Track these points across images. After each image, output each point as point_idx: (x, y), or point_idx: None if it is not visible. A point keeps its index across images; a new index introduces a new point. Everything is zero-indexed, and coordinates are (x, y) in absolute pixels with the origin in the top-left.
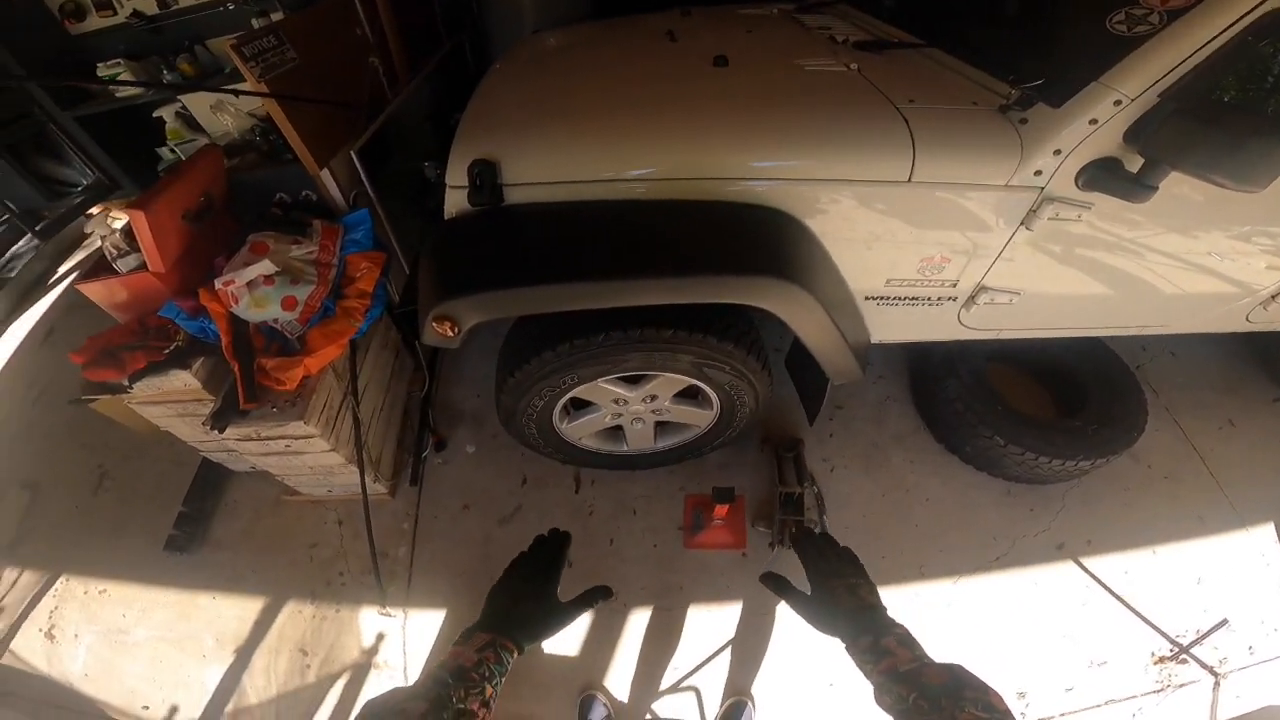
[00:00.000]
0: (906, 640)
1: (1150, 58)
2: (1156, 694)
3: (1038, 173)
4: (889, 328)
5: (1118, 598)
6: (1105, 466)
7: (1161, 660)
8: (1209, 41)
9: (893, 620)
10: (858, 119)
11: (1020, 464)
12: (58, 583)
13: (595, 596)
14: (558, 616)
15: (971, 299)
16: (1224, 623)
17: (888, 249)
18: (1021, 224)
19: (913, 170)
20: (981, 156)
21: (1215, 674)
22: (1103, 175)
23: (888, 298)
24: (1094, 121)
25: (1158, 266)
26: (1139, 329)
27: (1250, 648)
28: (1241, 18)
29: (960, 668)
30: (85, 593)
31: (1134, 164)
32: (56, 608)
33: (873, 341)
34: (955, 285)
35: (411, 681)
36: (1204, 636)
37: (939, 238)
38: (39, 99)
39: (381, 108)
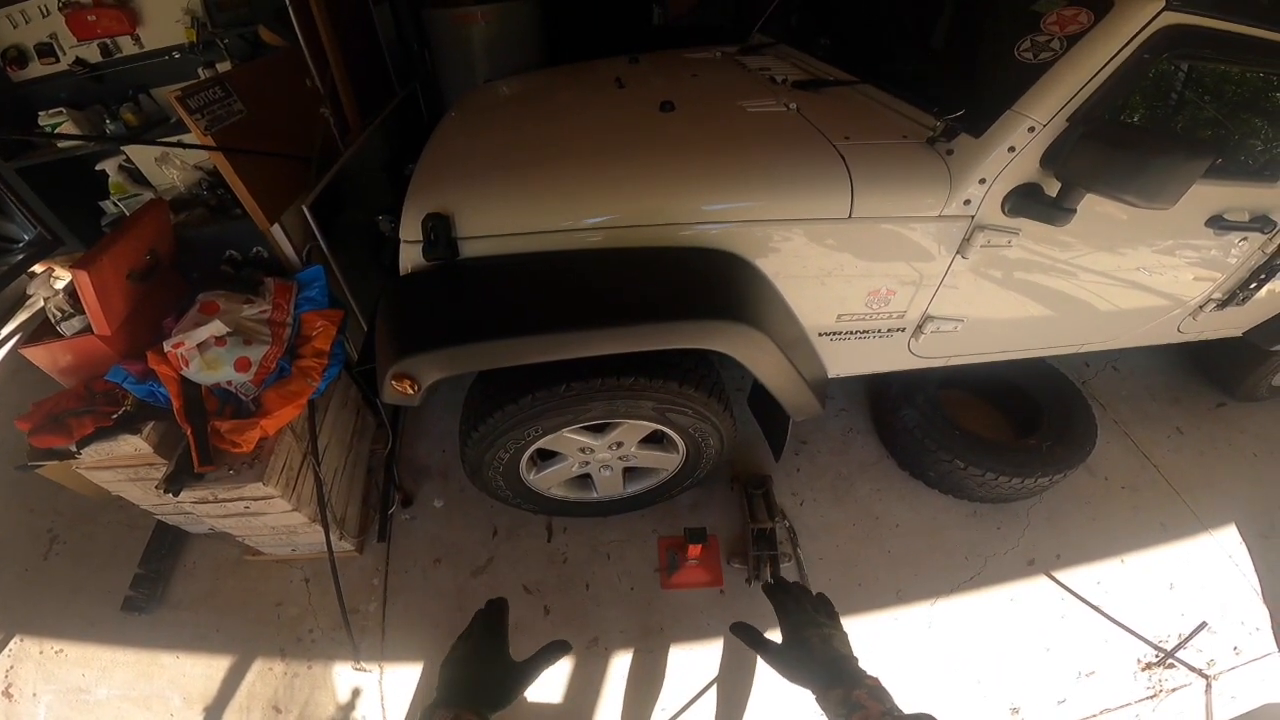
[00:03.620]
0: (878, 693)
1: (1055, 83)
2: (1151, 700)
3: (967, 202)
4: (844, 362)
5: (1094, 608)
6: (1063, 482)
7: (1149, 666)
8: (1106, 63)
9: (864, 671)
10: (798, 159)
11: (981, 484)
12: (11, 643)
13: (552, 652)
14: (516, 677)
15: (919, 328)
16: (1203, 625)
17: (836, 284)
18: (958, 253)
19: (852, 206)
20: (914, 189)
21: (1205, 676)
22: (1025, 200)
23: (840, 332)
24: (1012, 149)
25: (1091, 285)
26: (1079, 347)
27: (1235, 648)
28: (1134, 36)
29: (930, 717)
30: (41, 652)
31: (1053, 188)
32: (12, 667)
33: (830, 376)
34: (903, 316)
35: None
36: (1186, 640)
37: (883, 270)
38: None
39: (334, 160)
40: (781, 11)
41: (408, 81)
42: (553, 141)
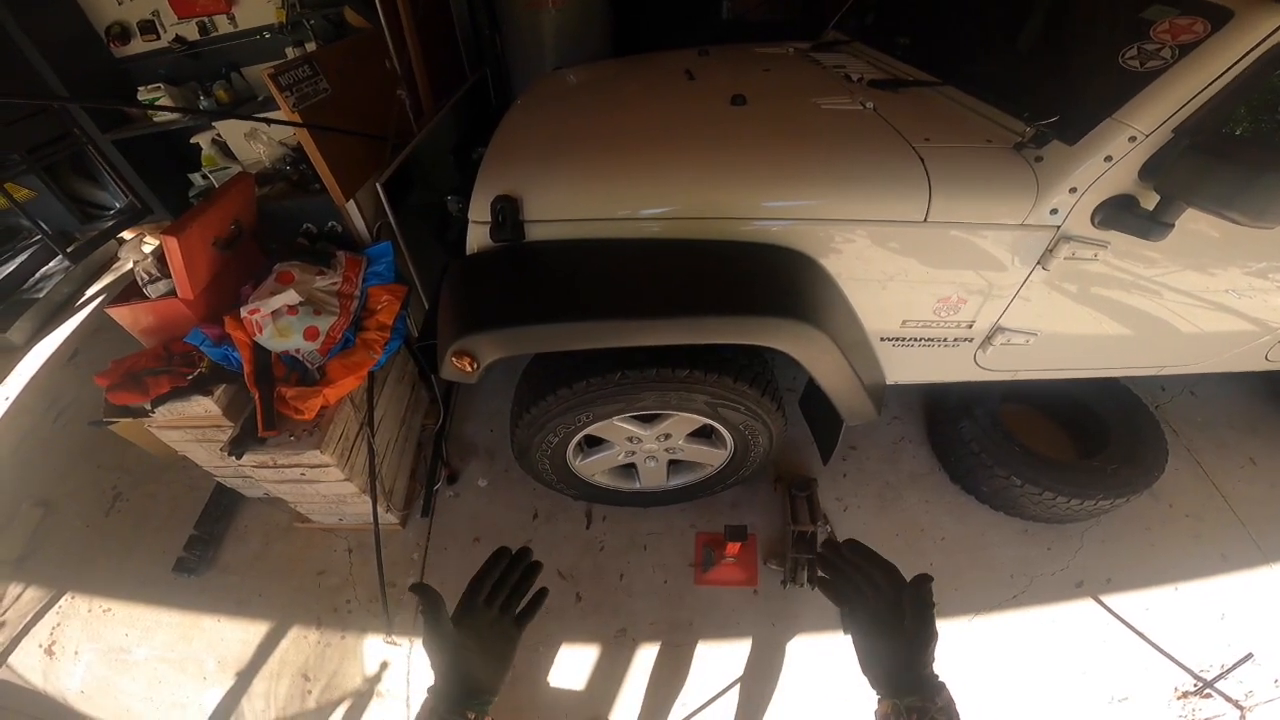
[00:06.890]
0: (949, 713)
1: (1163, 93)
2: None
3: (1053, 211)
4: (904, 369)
5: (1139, 634)
6: (1125, 506)
7: (1185, 695)
8: (1221, 74)
9: (939, 682)
10: (874, 158)
11: (1038, 504)
12: (62, 600)
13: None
14: (509, 658)
15: (988, 340)
16: (1249, 657)
17: (904, 289)
18: (1038, 264)
19: (929, 210)
20: (997, 195)
21: (1241, 708)
22: (1119, 213)
23: (903, 339)
24: (1109, 158)
25: (1175, 305)
26: (1157, 369)
27: (1277, 681)
28: (1253, 49)
29: None
30: (89, 611)
31: (1150, 201)
32: (59, 624)
33: (888, 383)
34: (971, 326)
35: (412, 714)
36: (1229, 671)
37: (955, 278)
38: (80, 120)
39: (406, 140)
40: (857, 9)
41: (479, 66)
42: (623, 130)
